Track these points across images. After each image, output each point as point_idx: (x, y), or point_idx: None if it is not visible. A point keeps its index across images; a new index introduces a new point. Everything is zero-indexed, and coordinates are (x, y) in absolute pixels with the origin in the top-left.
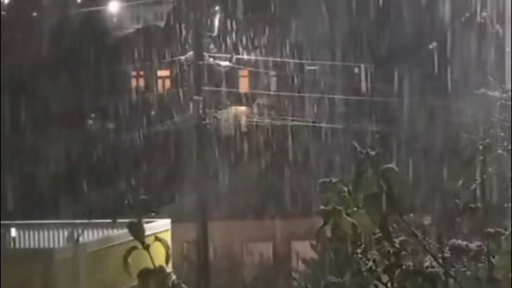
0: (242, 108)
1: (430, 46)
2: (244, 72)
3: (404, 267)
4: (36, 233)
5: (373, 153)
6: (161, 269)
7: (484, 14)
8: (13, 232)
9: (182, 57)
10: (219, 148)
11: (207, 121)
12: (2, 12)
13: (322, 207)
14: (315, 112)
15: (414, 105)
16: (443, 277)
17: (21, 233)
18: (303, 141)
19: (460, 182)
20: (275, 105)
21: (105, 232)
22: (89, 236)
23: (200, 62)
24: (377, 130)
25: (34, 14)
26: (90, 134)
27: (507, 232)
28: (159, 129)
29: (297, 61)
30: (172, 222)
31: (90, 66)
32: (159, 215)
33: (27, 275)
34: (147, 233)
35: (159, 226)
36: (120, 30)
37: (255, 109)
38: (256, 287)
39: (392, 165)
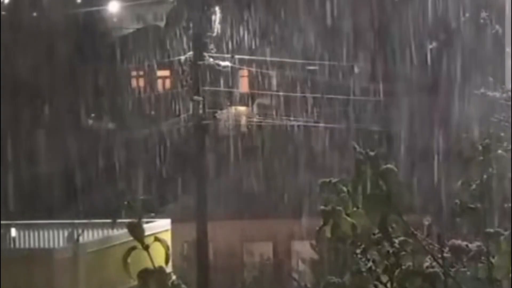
0: (242, 108)
1: (430, 46)
2: (244, 72)
3: (403, 267)
4: (36, 233)
5: (372, 153)
6: (160, 269)
7: (484, 14)
8: (13, 232)
9: (182, 57)
10: (219, 148)
11: (207, 121)
12: (2, 12)
13: (321, 207)
14: (315, 112)
15: (413, 105)
16: (442, 278)
17: (21, 233)
18: (303, 141)
19: (460, 182)
20: (275, 105)
21: (105, 232)
22: (89, 236)
23: (200, 62)
24: (377, 130)
25: (34, 14)
26: (89, 134)
27: (507, 233)
28: (159, 129)
29: (297, 61)
30: (172, 222)
31: (90, 66)
32: (159, 215)
33: (27, 275)
34: (147, 233)
35: (159, 226)
36: (120, 30)
37: (255, 109)
38: (256, 287)
39: (392, 166)
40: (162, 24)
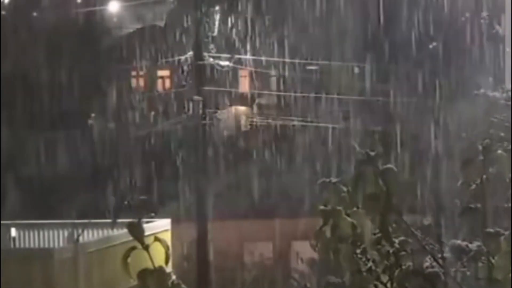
0: (242, 108)
1: (430, 46)
2: (244, 72)
3: (403, 267)
4: (36, 233)
5: (372, 153)
6: (160, 269)
7: (484, 14)
8: (13, 232)
9: (182, 57)
10: (219, 148)
11: (207, 121)
12: (2, 12)
13: (321, 207)
14: (315, 112)
15: (413, 105)
16: (442, 277)
17: (21, 233)
18: (303, 141)
19: (460, 182)
20: (275, 105)
21: (105, 232)
22: (89, 236)
23: (200, 62)
24: (377, 130)
25: (34, 14)
26: (90, 134)
27: (507, 233)
28: (159, 129)
29: (297, 61)
30: (172, 222)
31: (90, 66)
32: (159, 215)
33: (27, 275)
34: (147, 233)
35: (159, 226)
36: (120, 30)
37: (255, 109)
38: (256, 287)
39: (392, 165)
40: (162, 24)
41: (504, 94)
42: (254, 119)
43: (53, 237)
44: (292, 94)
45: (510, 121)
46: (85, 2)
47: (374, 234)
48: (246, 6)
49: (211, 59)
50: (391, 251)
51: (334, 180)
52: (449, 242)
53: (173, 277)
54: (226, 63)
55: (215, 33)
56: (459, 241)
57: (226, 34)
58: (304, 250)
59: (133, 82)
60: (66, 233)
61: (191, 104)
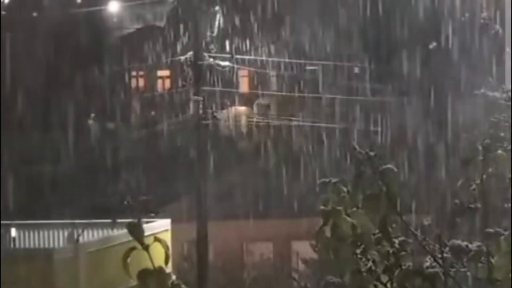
0: (242, 108)
1: (430, 46)
2: (244, 72)
3: (403, 267)
4: (36, 233)
5: (372, 153)
6: (160, 269)
7: (484, 14)
8: (13, 232)
9: (182, 57)
10: (219, 148)
11: (207, 121)
12: (2, 12)
13: (321, 207)
14: (315, 112)
15: (413, 105)
16: (442, 278)
17: (21, 233)
18: (303, 141)
19: (460, 182)
20: (275, 105)
21: (105, 232)
22: (89, 236)
23: (200, 62)
24: (376, 130)
25: (34, 14)
26: (90, 134)
27: (507, 233)
28: (159, 129)
29: (297, 61)
30: (172, 222)
31: (90, 66)
32: (159, 215)
33: (27, 275)
34: (147, 233)
35: (158, 226)
36: (120, 30)
37: (255, 109)
38: (256, 287)
39: (391, 166)
40: (162, 24)
41: (504, 94)
42: (254, 119)
43: (53, 237)
44: (292, 94)
45: (510, 121)
46: (85, 2)
47: (374, 234)
48: (246, 6)
49: (211, 59)
50: (391, 251)
51: (334, 180)
52: (449, 242)
53: (173, 277)
54: (226, 63)
55: (215, 33)
56: (459, 241)
57: (227, 34)
58: (304, 250)
59: (133, 82)
60: (66, 233)
61: (191, 104)
